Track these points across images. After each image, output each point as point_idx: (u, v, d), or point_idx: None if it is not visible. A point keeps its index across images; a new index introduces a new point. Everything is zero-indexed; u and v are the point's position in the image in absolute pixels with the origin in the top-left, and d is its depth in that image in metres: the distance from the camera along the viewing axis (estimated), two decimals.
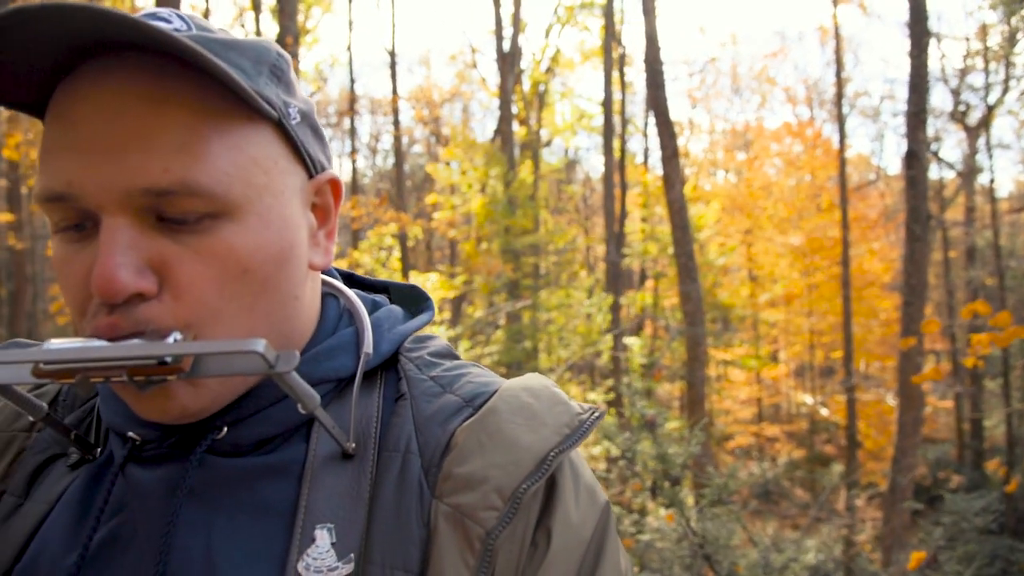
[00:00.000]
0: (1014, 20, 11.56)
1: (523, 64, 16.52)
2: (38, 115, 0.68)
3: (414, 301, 0.88)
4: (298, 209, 0.70)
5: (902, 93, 19.10)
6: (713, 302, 16.45)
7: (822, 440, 18.57)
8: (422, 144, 25.95)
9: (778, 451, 17.45)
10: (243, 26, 14.80)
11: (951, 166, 14.74)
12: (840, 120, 14.94)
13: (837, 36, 15.11)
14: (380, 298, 0.85)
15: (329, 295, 0.81)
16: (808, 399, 19.03)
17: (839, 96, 15.02)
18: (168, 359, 0.57)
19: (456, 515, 0.65)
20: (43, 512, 0.71)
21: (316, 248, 0.74)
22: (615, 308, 13.54)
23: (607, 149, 14.82)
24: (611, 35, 14.65)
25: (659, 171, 12.35)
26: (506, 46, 14.77)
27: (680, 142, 11.57)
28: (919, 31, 7.90)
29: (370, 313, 0.80)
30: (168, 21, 0.65)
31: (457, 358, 0.81)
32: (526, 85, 16.49)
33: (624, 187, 14.97)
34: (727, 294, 18.38)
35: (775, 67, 29.47)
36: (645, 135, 18.46)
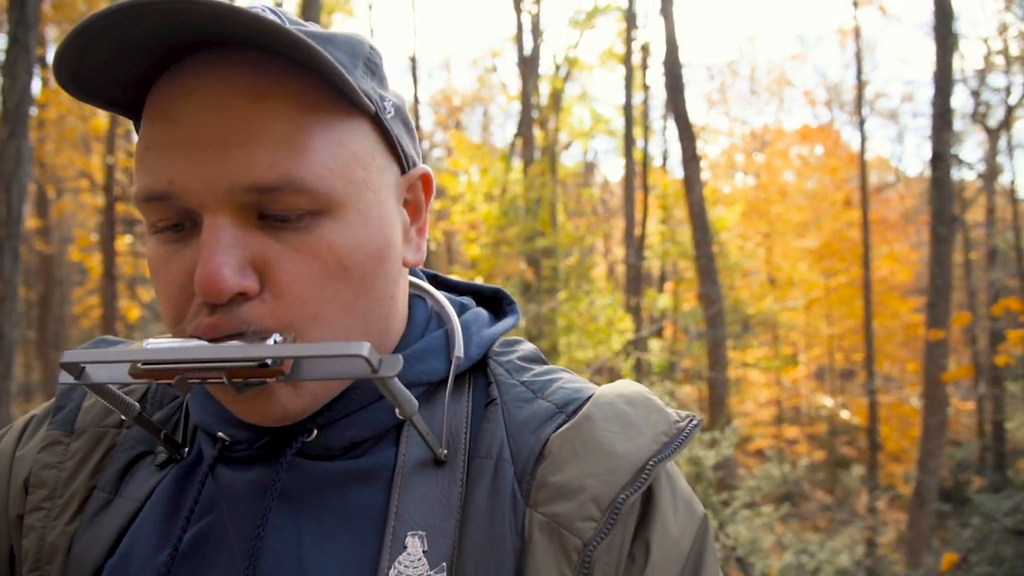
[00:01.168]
0: None
1: (542, 68, 16.58)
2: (132, 115, 0.67)
3: (498, 304, 0.87)
4: (393, 205, 0.69)
5: (922, 95, 19.00)
6: (732, 305, 16.43)
7: (842, 442, 18.46)
8: (442, 148, 26.03)
9: (798, 453, 17.38)
10: None
11: (971, 167, 14.65)
12: (860, 122, 14.90)
13: (857, 38, 15.07)
14: (467, 300, 0.84)
15: (416, 296, 0.80)
16: (828, 401, 18.93)
17: (859, 98, 14.99)
18: (269, 361, 0.56)
19: (552, 525, 0.63)
20: (133, 509, 0.72)
21: (408, 245, 0.73)
22: (635, 311, 13.55)
23: (627, 152, 14.84)
24: (630, 39, 14.67)
25: (678, 174, 12.36)
26: (527, 50, 14.82)
27: (698, 145, 11.56)
28: (943, 32, 7.89)
29: (457, 316, 0.78)
30: (264, 15, 0.62)
31: (545, 362, 0.79)
32: (545, 89, 16.55)
33: (646, 190, 14.97)
34: (746, 297, 18.35)
35: (794, 69, 29.35)
36: (664, 138, 18.48)
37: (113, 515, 0.72)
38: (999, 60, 13.37)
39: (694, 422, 0.70)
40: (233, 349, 0.56)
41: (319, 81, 0.62)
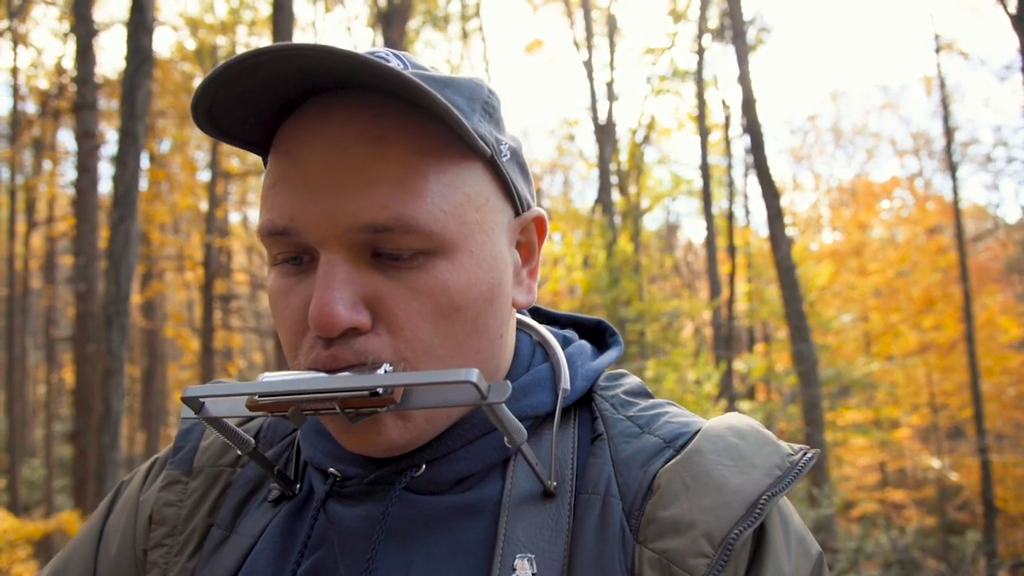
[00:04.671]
0: None
1: (619, 132, 16.75)
2: (262, 152, 0.70)
3: (600, 335, 0.87)
4: (505, 247, 0.70)
5: (1014, 138, 18.35)
6: (827, 364, 15.91)
7: (954, 507, 17.41)
8: None
9: (907, 519, 16.46)
10: None
11: None
12: (952, 169, 14.46)
13: (942, 84, 14.74)
14: (570, 333, 0.84)
15: (519, 330, 0.81)
16: (935, 463, 17.96)
17: (948, 145, 14.57)
18: (380, 390, 0.57)
19: (663, 561, 0.61)
20: (248, 545, 0.74)
21: (520, 286, 0.74)
22: (727, 373, 13.27)
23: (707, 213, 14.75)
24: (702, 100, 14.73)
25: (763, 232, 12.18)
26: (602, 117, 15.03)
27: (784, 200, 11.42)
28: None
29: (561, 348, 0.79)
30: (386, 60, 0.66)
31: (651, 396, 0.78)
32: (623, 154, 16.67)
33: (732, 250, 14.81)
34: (841, 357, 17.75)
35: (879, 120, 28.84)
36: (746, 196, 18.32)
37: (230, 551, 0.74)
38: None
39: (808, 455, 0.67)
40: (345, 379, 0.58)
41: (436, 124, 0.64)
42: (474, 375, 0.53)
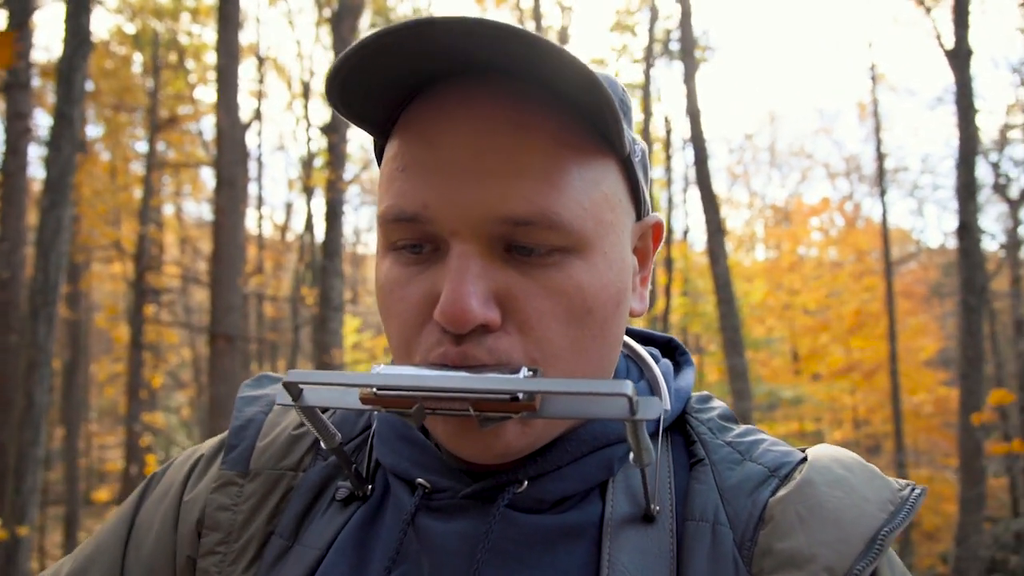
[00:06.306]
0: None
1: None
2: (379, 133, 0.67)
3: (671, 353, 0.83)
4: (628, 251, 0.68)
5: (941, 166, 19.14)
6: (755, 380, 16.27)
7: None
8: None
9: None
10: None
11: (993, 237, 14.67)
12: (882, 193, 15.00)
13: (876, 115, 15.27)
14: (654, 351, 0.80)
15: None
16: None
17: (880, 172, 15.10)
18: (520, 395, 0.53)
19: None
20: (314, 558, 0.68)
21: (634, 293, 0.70)
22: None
23: None
24: (648, 113, 14.94)
25: (699, 246, 12.40)
26: None
27: (721, 217, 11.64)
28: (965, 104, 7.99)
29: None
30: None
31: (738, 422, 0.76)
32: None
33: (670, 263, 15.02)
34: (768, 373, 18.18)
35: (814, 142, 29.74)
36: (685, 211, 18.64)
37: (294, 564, 0.69)
38: (1016, 133, 13.48)
39: (917, 491, 0.65)
40: (487, 380, 0.54)
41: (578, 116, 0.61)
42: (629, 388, 0.50)
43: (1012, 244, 14.56)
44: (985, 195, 14.86)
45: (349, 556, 0.67)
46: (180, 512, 0.76)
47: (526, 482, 0.65)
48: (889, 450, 16.63)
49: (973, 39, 8.03)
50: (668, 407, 0.72)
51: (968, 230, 7.96)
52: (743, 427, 0.74)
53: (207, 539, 0.72)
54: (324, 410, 0.78)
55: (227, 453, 0.76)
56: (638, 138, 0.70)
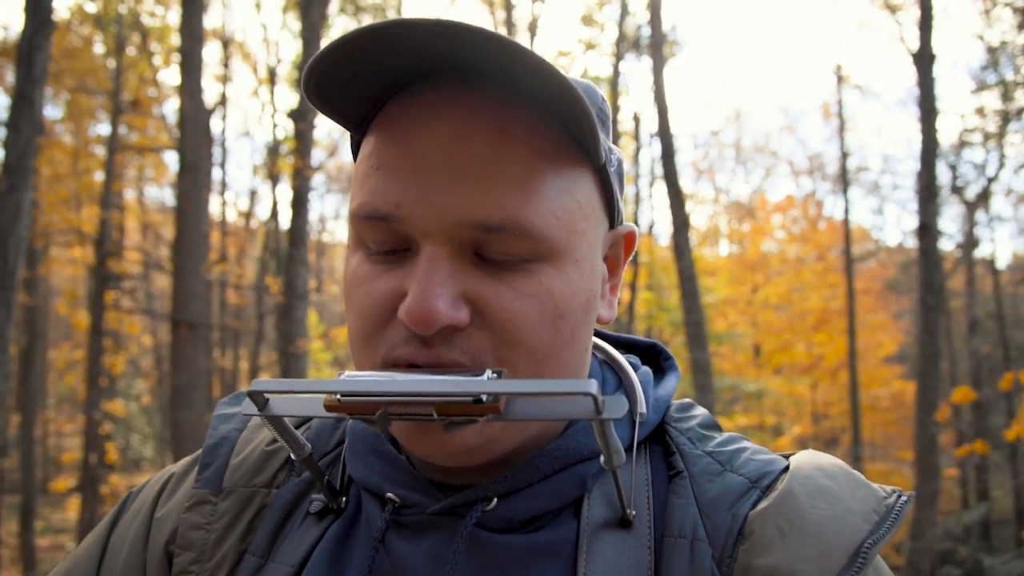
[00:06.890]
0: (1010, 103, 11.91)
1: None
2: (356, 129, 0.66)
3: (654, 359, 0.82)
4: (599, 259, 0.67)
5: (901, 167, 19.49)
6: (717, 373, 16.46)
7: None
8: None
9: None
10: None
11: (951, 238, 15.00)
12: (844, 192, 15.24)
13: (840, 116, 15.50)
14: (633, 358, 0.79)
15: None
16: None
17: (843, 171, 15.34)
18: (484, 397, 0.52)
19: None
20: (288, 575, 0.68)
21: (603, 300, 0.69)
22: None
23: None
24: (616, 107, 14.98)
25: (663, 241, 12.48)
26: None
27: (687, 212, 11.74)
28: (928, 107, 8.14)
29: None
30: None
31: (721, 428, 0.74)
32: None
33: (635, 257, 15.17)
34: (731, 367, 18.40)
35: (779, 140, 30.09)
36: (651, 206, 18.74)
37: None
38: (975, 136, 13.77)
39: (903, 498, 0.63)
40: (448, 383, 0.53)
41: (554, 124, 0.60)
42: (593, 386, 0.49)
43: (968, 245, 14.89)
44: (943, 196, 15.18)
45: (323, 573, 0.66)
46: (151, 531, 0.75)
47: (495, 499, 0.64)
48: (847, 443, 16.93)
49: (936, 43, 8.19)
50: (645, 412, 0.70)
51: (928, 231, 8.13)
52: (725, 435, 0.73)
53: (180, 558, 0.72)
54: (300, 424, 0.78)
55: (201, 471, 0.75)
56: (615, 148, 0.70)
